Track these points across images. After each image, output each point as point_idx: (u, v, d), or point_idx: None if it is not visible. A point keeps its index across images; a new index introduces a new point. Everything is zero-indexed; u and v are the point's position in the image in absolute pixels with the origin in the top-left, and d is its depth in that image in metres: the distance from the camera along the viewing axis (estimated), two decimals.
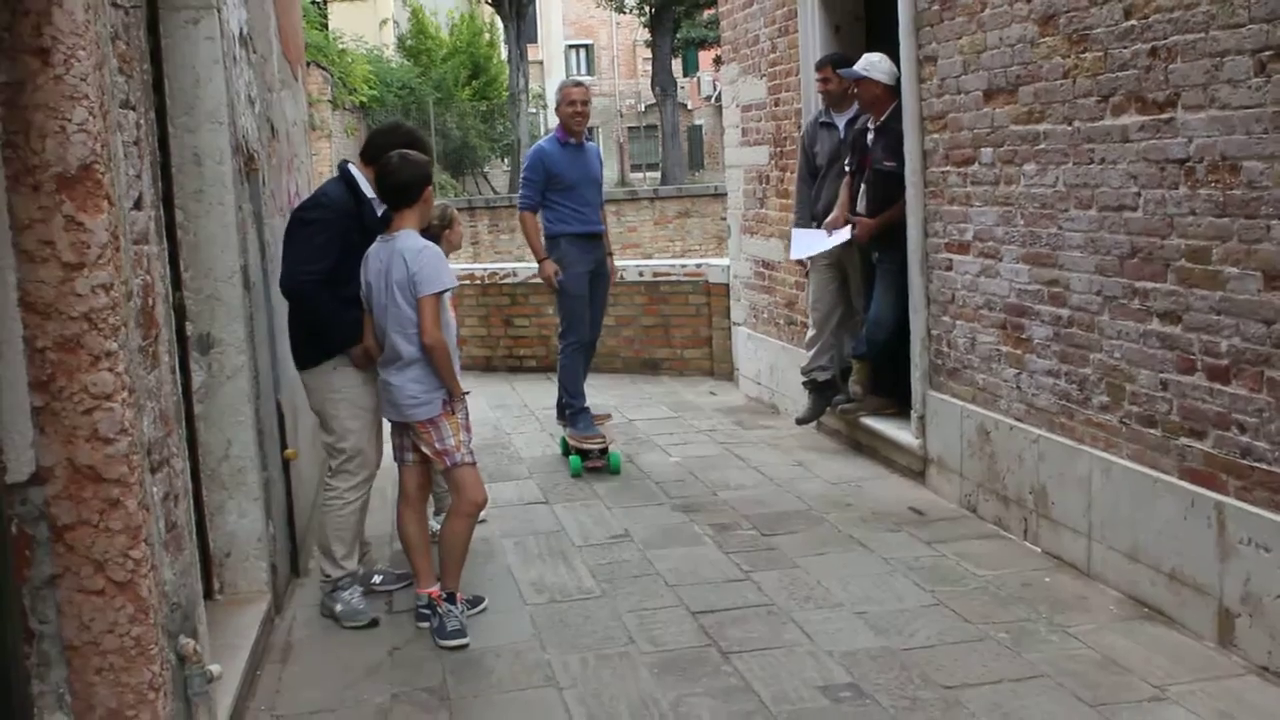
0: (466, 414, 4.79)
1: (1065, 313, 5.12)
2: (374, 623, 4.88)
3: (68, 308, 2.88)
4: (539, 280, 11.22)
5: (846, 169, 7.11)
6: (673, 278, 10.43)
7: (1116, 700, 3.92)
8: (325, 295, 4.75)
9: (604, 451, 7.16)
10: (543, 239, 7.33)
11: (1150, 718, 3.80)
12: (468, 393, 4.81)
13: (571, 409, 7.34)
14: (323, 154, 9.04)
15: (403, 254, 4.60)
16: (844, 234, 6.90)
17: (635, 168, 46.65)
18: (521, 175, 7.28)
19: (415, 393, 4.66)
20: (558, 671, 4.35)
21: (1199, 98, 4.25)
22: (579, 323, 7.38)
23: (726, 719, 3.92)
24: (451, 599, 4.75)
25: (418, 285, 4.57)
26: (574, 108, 7.31)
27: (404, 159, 4.71)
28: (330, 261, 4.73)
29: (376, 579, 5.26)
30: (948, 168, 6.05)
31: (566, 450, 7.38)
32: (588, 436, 7.18)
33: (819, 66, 7.27)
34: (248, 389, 4.68)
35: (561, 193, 7.29)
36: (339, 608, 4.92)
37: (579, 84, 7.56)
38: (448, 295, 4.79)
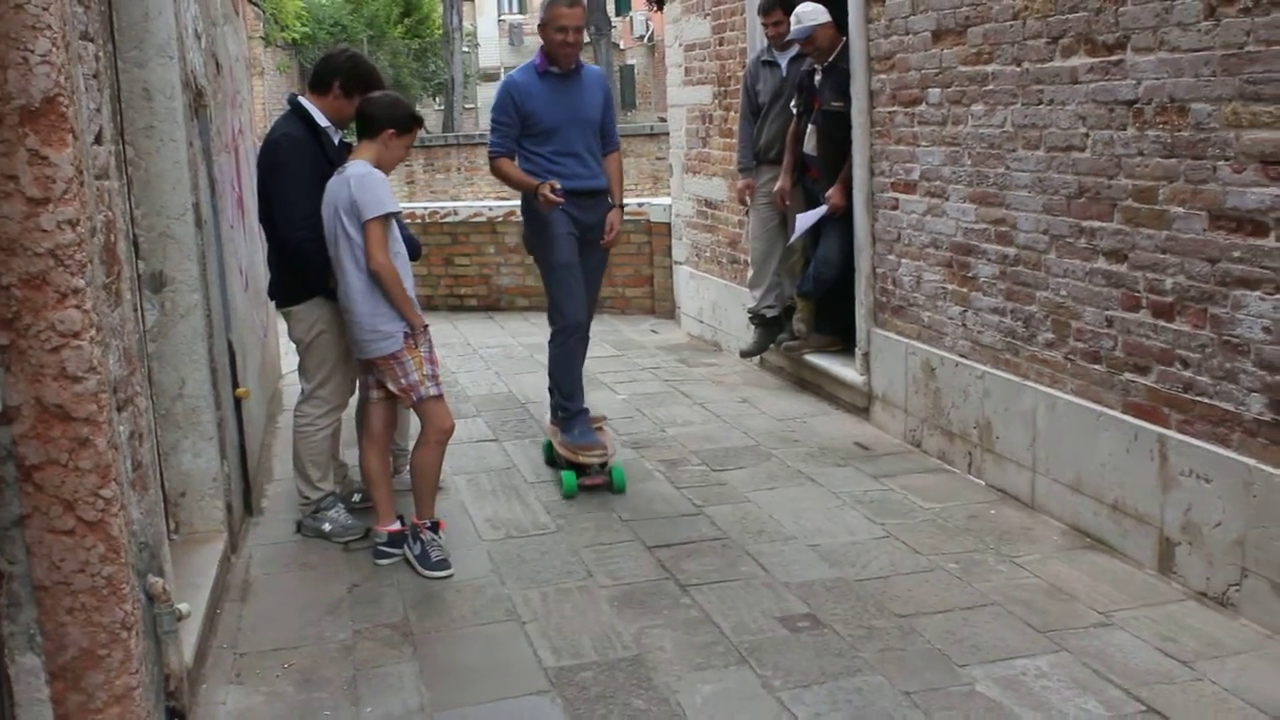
0: (430, 346, 4.79)
1: (1012, 251, 5.21)
2: (367, 533, 5.01)
3: (33, 244, 2.83)
4: (479, 219, 11.28)
5: (794, 110, 7.13)
6: None
7: (1064, 626, 4.05)
8: (317, 239, 4.75)
9: (604, 466, 5.68)
10: (525, 178, 5.63)
11: (1096, 642, 3.93)
12: (428, 325, 4.80)
13: (565, 412, 5.82)
14: (256, 91, 8.89)
15: (349, 181, 4.62)
16: (819, 211, 6.89)
17: None
18: (491, 118, 5.71)
19: (375, 326, 4.67)
20: (519, 606, 4.40)
21: (1148, 40, 4.32)
22: (569, 300, 5.73)
23: (689, 650, 3.99)
24: (435, 528, 4.82)
25: (361, 209, 4.58)
26: (563, 35, 5.58)
27: (386, 97, 4.85)
28: (315, 202, 4.71)
29: (357, 497, 5.38)
30: (895, 108, 6.09)
31: (553, 459, 5.96)
32: (584, 447, 5.65)
33: (767, 10, 7.24)
34: (201, 328, 4.64)
35: (538, 139, 5.65)
36: (327, 526, 5.08)
37: (575, 1, 5.68)
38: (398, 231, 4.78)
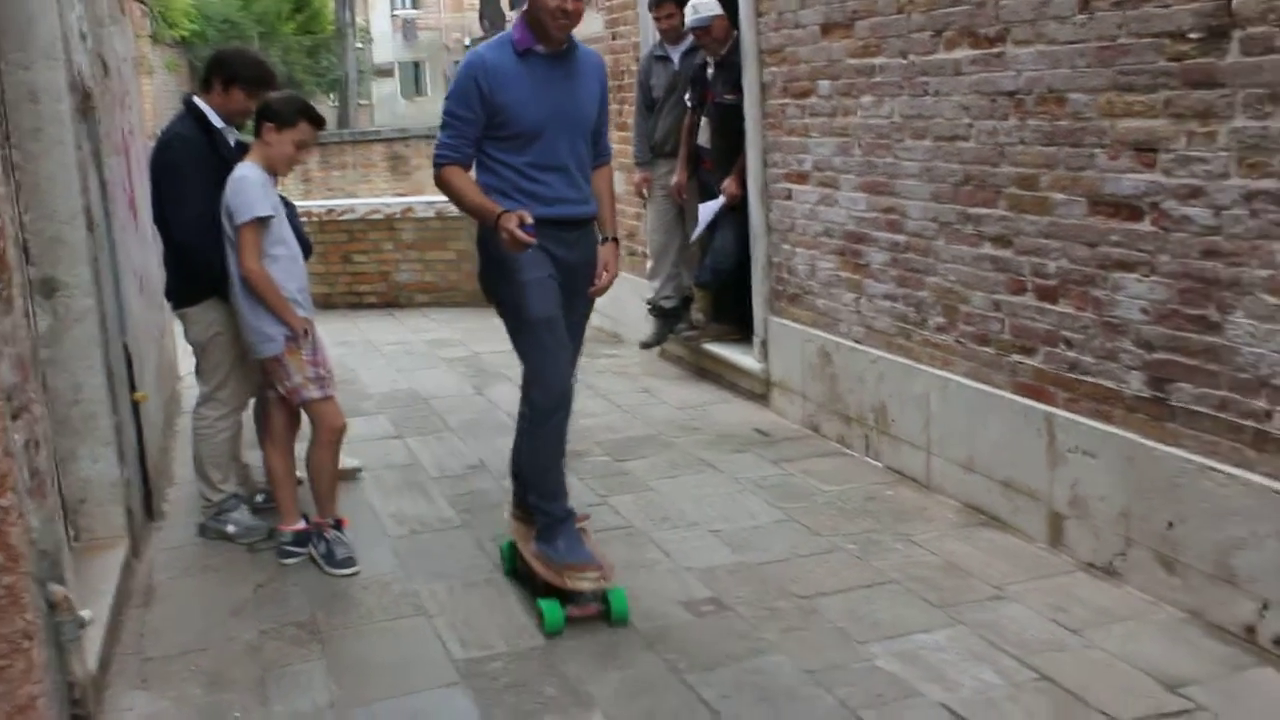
0: (316, 347, 4.77)
1: (902, 239, 5.34)
2: (271, 534, 4.97)
3: None
4: (377, 216, 11.21)
5: (688, 103, 7.22)
6: None
7: (960, 601, 4.18)
8: (211, 240, 4.70)
9: (600, 593, 4.17)
10: (483, 201, 4.09)
11: (990, 614, 4.06)
12: (311, 326, 4.76)
13: (545, 517, 4.27)
14: (145, 91, 8.73)
15: (229, 183, 4.61)
16: (719, 202, 6.98)
17: None
18: (443, 110, 4.19)
19: (258, 328, 4.66)
20: (426, 601, 4.42)
21: (1027, 33, 4.47)
22: (551, 368, 4.19)
23: (598, 638, 4.05)
24: (338, 526, 4.82)
25: (234, 213, 4.58)
26: (561, 2, 4.02)
27: (278, 94, 4.83)
28: (207, 203, 4.67)
29: (260, 498, 5.35)
30: (786, 100, 6.20)
31: (515, 568, 4.55)
32: (575, 568, 4.12)
33: (658, 4, 7.31)
34: (95, 333, 4.58)
35: (510, 144, 4.11)
36: (231, 529, 5.04)
37: None
38: (288, 231, 4.75)
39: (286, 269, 4.70)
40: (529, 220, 3.87)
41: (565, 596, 4.13)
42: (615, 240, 4.44)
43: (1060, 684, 3.57)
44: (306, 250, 5.10)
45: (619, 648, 3.97)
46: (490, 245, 4.12)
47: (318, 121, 4.78)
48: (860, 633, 3.98)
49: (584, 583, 4.11)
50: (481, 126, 4.11)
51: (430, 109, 45.18)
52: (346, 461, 6.03)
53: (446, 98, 4.20)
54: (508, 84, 4.07)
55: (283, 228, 4.73)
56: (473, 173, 4.24)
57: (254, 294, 4.61)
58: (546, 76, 4.12)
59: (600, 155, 4.44)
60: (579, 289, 4.30)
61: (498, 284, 4.25)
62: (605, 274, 4.33)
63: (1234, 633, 3.79)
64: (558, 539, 4.21)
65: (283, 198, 4.98)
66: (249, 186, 4.60)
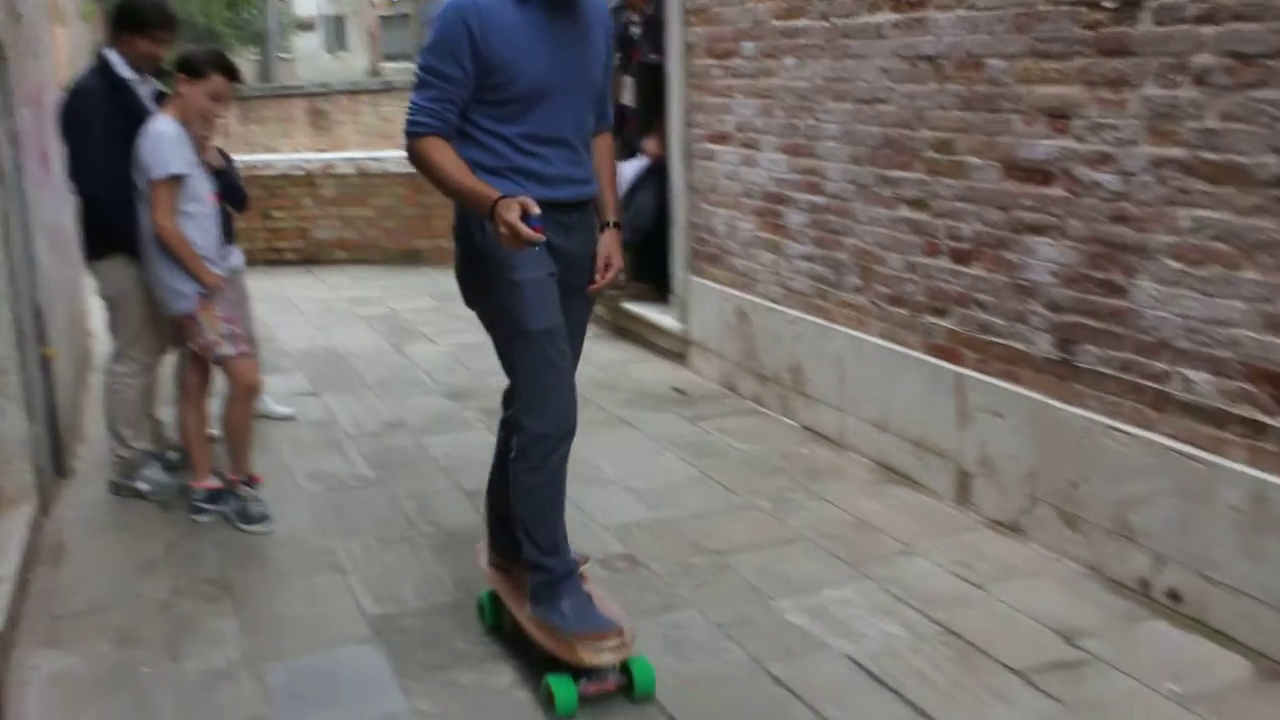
0: (230, 303, 4.72)
1: (821, 200, 5.38)
2: (184, 491, 4.91)
3: None
4: (297, 173, 11.09)
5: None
6: None
7: (868, 557, 4.26)
8: (117, 192, 4.61)
9: (623, 666, 3.39)
10: (473, 183, 3.22)
11: (898, 570, 4.15)
12: (223, 282, 4.71)
13: (543, 576, 3.45)
14: (60, 41, 8.52)
15: (141, 138, 4.53)
16: (642, 162, 6.98)
17: (389, 57, 45.38)
18: (419, 64, 3.32)
19: (170, 284, 4.60)
20: (340, 557, 4.41)
21: None
22: (554, 389, 3.39)
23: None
24: (251, 483, 4.79)
25: (146, 169, 4.50)
26: None
27: (195, 47, 4.75)
28: (113, 155, 4.58)
29: (173, 455, 5.26)
30: (710, 61, 6.21)
31: (499, 623, 3.75)
32: (592, 637, 3.32)
33: None
34: (4, 287, 4.48)
35: (504, 110, 3.30)
36: (143, 486, 4.99)
37: None
38: (203, 187, 4.68)
39: (200, 226, 4.63)
40: (534, 210, 3.04)
41: (578, 670, 3.34)
42: (618, 226, 3.62)
43: (962, 636, 3.66)
44: (242, 203, 5.08)
45: None
46: (474, 237, 3.32)
47: (231, 73, 4.69)
48: (771, 588, 4.04)
49: (605, 655, 3.30)
50: (471, 87, 3.25)
51: (354, 64, 44.57)
52: (279, 409, 6.01)
53: (424, 49, 3.29)
54: (506, 34, 3.23)
55: (197, 184, 4.65)
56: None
57: (166, 251, 4.54)
58: (550, 28, 3.30)
59: (601, 120, 3.61)
60: (577, 285, 3.51)
61: (483, 286, 3.40)
62: (609, 270, 3.54)
63: (1130, 587, 3.91)
64: (561, 601, 3.40)
65: (221, 150, 4.92)
66: (163, 142, 4.51)
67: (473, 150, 3.31)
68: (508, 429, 3.66)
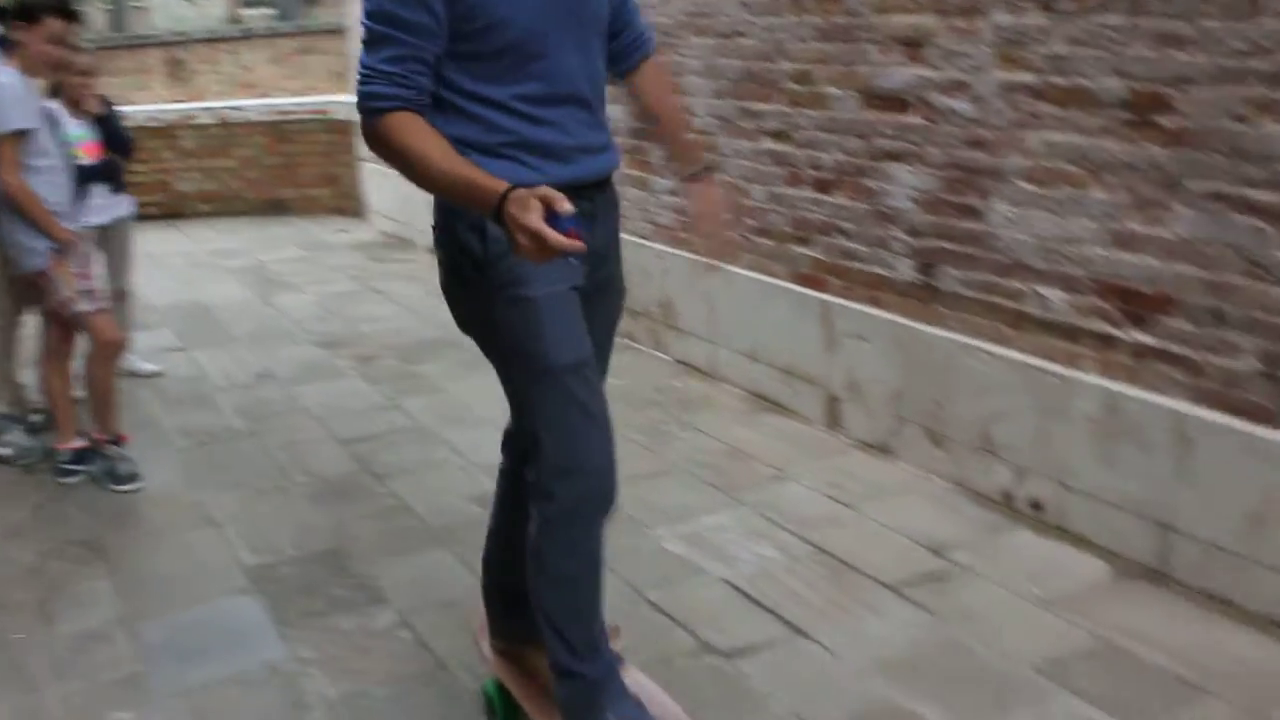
0: (86, 260, 4.59)
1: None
2: (49, 453, 4.79)
3: None
4: (155, 124, 10.74)
5: None
6: (297, 116, 10.19)
7: (742, 484, 4.34)
8: None
9: None
10: (469, 173, 2.18)
11: (771, 495, 4.23)
12: (76, 238, 4.57)
13: (580, 684, 2.58)
14: None
15: None
16: None
17: (248, 4, 44.09)
18: (367, 10, 2.26)
19: (20, 242, 4.46)
20: (214, 511, 4.35)
21: None
22: (584, 442, 2.51)
23: (388, 536, 4.06)
24: (118, 442, 4.68)
25: None
26: None
27: None
28: None
29: (36, 417, 5.11)
30: None
31: (516, 717, 2.88)
32: None
33: None
34: None
35: (495, 65, 2.33)
36: (5, 450, 4.86)
37: None
38: (51, 140, 4.52)
39: (50, 181, 4.48)
40: (565, 206, 2.01)
41: None
42: (709, 170, 2.84)
43: (835, 555, 3.76)
44: (129, 149, 5.04)
45: (408, 543, 4.00)
46: (464, 240, 2.41)
47: (68, 14, 4.47)
48: (648, 519, 4.09)
49: None
50: (444, 38, 2.28)
51: (211, 11, 43.17)
52: (146, 366, 5.88)
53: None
54: None
55: (45, 137, 4.49)
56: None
57: (16, 208, 4.39)
58: None
59: (641, 45, 2.74)
60: (604, 286, 2.66)
61: (480, 305, 2.46)
62: (711, 216, 2.80)
63: (994, 499, 4.05)
64: (606, 713, 2.57)
65: (102, 97, 4.77)
66: (4, 95, 4.33)
67: (456, 124, 2.35)
68: (510, 480, 2.92)
